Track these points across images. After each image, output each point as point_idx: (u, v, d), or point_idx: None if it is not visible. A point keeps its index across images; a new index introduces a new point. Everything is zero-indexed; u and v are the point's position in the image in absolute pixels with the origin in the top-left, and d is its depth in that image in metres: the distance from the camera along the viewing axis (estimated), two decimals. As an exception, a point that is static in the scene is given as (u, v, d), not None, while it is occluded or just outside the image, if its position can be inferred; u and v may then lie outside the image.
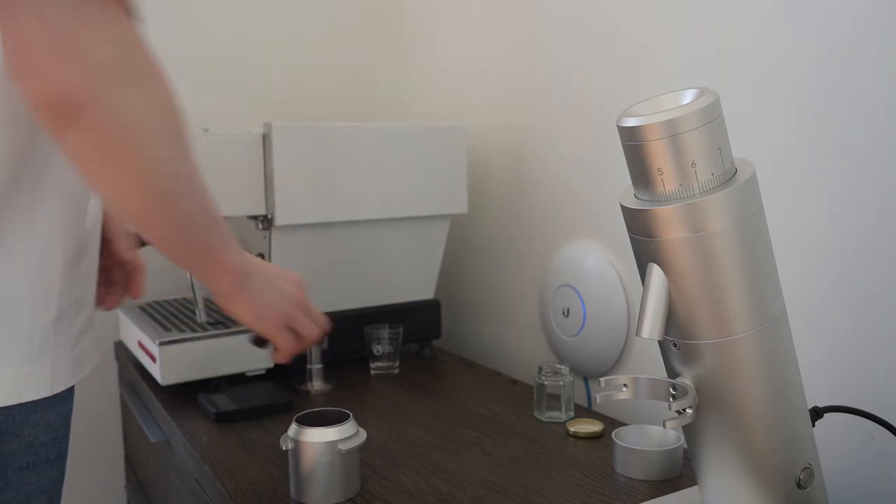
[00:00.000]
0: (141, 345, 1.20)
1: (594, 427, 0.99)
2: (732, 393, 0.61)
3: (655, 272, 0.58)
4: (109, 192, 0.62)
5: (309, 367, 1.17)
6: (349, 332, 1.25)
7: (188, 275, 1.13)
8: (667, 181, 0.56)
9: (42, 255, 0.66)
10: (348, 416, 0.84)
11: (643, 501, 0.80)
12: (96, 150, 0.58)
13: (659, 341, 0.62)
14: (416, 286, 1.29)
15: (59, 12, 0.55)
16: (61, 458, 0.70)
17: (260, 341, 0.87)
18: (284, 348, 0.81)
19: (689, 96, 0.57)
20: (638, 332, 0.58)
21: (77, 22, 0.55)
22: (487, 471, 0.89)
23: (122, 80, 0.58)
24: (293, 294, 0.81)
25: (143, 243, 0.90)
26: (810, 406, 0.69)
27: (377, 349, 1.23)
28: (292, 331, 0.80)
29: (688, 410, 0.62)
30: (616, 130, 0.58)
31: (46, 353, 0.67)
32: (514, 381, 1.21)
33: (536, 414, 1.05)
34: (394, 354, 1.24)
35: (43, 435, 0.68)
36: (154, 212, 0.64)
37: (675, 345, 0.61)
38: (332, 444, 0.80)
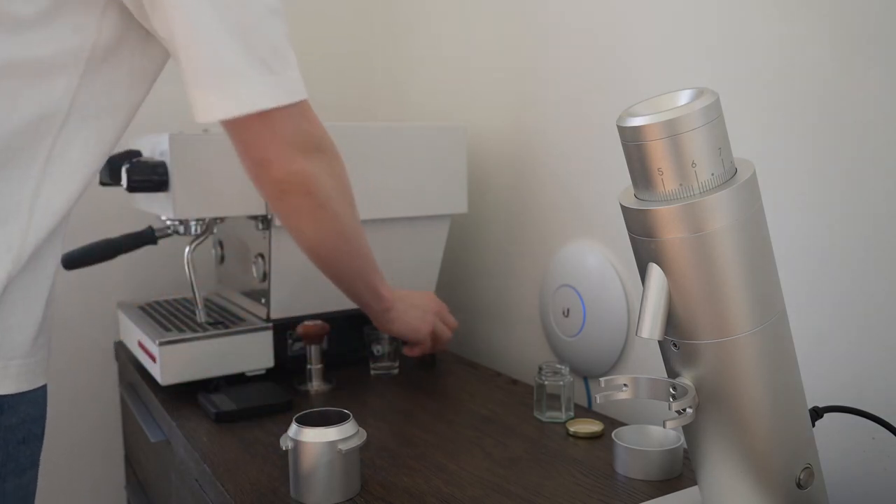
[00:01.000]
0: (141, 345, 1.20)
1: (594, 427, 0.99)
2: (732, 393, 0.61)
3: (655, 272, 0.58)
4: (312, 234, 0.92)
5: (309, 367, 1.17)
6: (349, 332, 1.25)
7: (188, 275, 1.13)
8: (667, 181, 0.56)
9: (57, 260, 0.78)
10: (348, 416, 0.84)
11: (643, 501, 0.80)
12: (311, 207, 0.88)
13: (659, 341, 0.62)
14: (415, 286, 1.28)
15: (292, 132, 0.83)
16: (43, 433, 0.78)
17: (409, 345, 1.20)
18: (425, 349, 1.19)
19: (688, 96, 0.57)
20: (638, 332, 0.58)
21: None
22: (487, 471, 0.89)
23: (323, 160, 0.87)
24: (432, 307, 1.17)
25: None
26: (810, 406, 0.69)
27: (377, 349, 1.23)
28: (432, 334, 1.17)
29: (688, 410, 0.62)
30: (616, 130, 0.58)
31: (47, 342, 0.78)
32: (514, 381, 1.21)
33: (536, 414, 1.05)
34: (394, 354, 1.24)
35: (33, 411, 0.75)
36: (342, 248, 0.96)
37: (675, 345, 0.61)
38: (332, 444, 0.80)
